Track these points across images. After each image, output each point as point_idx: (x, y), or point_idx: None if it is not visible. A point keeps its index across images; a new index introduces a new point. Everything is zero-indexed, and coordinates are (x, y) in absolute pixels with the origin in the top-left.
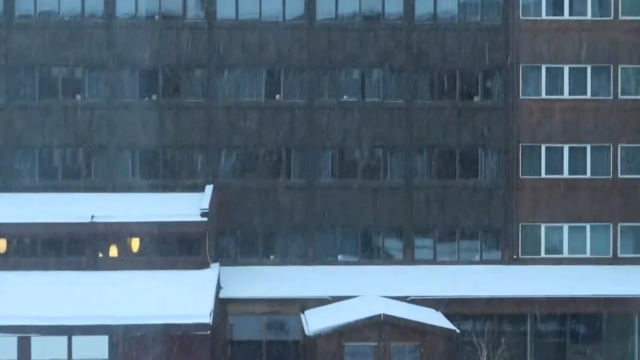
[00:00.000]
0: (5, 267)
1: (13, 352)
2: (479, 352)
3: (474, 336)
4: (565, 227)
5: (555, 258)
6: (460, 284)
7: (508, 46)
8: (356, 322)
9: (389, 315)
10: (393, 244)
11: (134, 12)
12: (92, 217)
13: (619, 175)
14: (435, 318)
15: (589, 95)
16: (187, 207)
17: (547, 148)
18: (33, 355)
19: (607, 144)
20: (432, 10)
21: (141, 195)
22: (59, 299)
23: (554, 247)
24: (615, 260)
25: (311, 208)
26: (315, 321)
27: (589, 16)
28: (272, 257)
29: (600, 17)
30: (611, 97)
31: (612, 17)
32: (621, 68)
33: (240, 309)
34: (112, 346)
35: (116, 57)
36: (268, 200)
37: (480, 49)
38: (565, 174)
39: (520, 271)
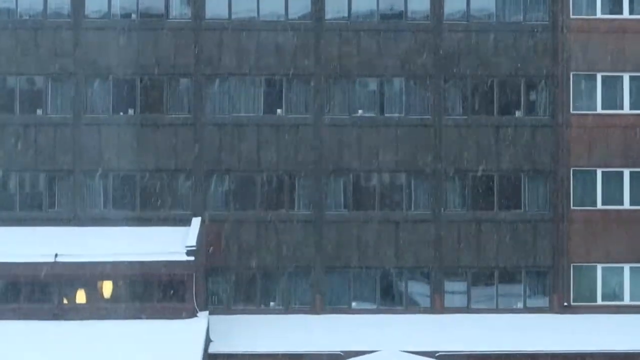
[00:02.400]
0: None
1: None
2: None
3: None
4: (627, 268)
5: (614, 305)
6: (500, 336)
7: (556, 51)
8: None
9: None
10: (418, 289)
11: (106, 10)
12: (56, 255)
13: None
14: None
15: None
16: (170, 243)
17: (604, 173)
18: None
19: None
20: (464, 8)
21: (115, 230)
22: (14, 357)
23: (613, 292)
24: None
25: (319, 245)
26: None
27: None
28: (272, 304)
29: None
30: None
31: None
32: None
33: None
34: None
35: (85, 64)
36: (268, 235)
37: (522, 54)
38: (626, 204)
39: (572, 321)
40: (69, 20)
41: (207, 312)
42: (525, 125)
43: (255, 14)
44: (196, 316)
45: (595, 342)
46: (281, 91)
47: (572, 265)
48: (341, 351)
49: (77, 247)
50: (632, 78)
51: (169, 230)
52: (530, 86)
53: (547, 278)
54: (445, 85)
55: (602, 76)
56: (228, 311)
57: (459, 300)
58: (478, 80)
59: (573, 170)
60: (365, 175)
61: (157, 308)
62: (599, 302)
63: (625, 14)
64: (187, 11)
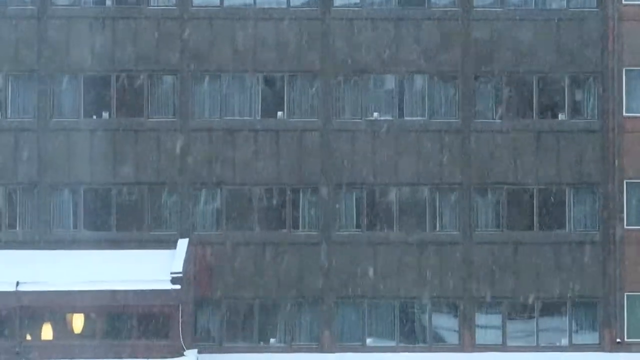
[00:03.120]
0: None
1: None
2: None
3: None
4: None
5: None
6: None
7: (606, 42)
8: None
9: None
10: (445, 322)
11: None
12: (17, 284)
13: None
14: None
15: None
16: (152, 270)
17: None
18: None
19: None
20: None
21: (87, 254)
22: None
23: None
24: None
25: (328, 271)
26: None
27: None
28: (272, 340)
29: None
30: None
31: None
32: None
33: None
34: None
35: (52, 59)
36: (267, 260)
37: (567, 46)
38: None
39: None
40: (33, 8)
41: (195, 351)
42: (569, 130)
43: (252, 1)
44: (183, 355)
45: None
46: (282, 91)
47: (625, 294)
48: None
49: (43, 274)
50: None
51: (151, 254)
52: (576, 84)
53: (597, 310)
54: (475, 83)
55: None
56: (220, 349)
57: (493, 337)
58: (514, 78)
59: (626, 182)
60: (381, 190)
61: (137, 346)
62: None
63: None
64: None
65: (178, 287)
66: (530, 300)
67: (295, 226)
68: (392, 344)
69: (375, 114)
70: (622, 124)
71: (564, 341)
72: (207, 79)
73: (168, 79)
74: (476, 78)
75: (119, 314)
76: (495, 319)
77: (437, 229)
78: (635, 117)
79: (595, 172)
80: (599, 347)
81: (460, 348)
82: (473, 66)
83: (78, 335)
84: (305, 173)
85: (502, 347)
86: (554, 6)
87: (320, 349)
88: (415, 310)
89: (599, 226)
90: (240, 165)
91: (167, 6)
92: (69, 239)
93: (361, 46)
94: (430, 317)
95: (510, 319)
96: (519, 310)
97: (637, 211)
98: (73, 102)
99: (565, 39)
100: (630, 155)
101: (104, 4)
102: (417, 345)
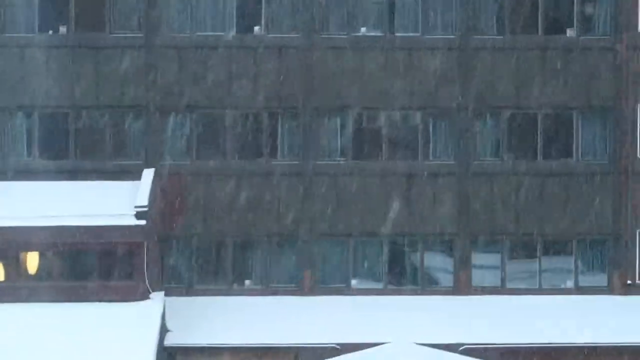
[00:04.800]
0: None
1: None
2: None
3: None
4: None
5: None
6: (542, 325)
7: None
8: None
9: None
10: (438, 262)
11: None
12: None
13: None
14: None
15: None
16: (114, 203)
17: None
18: None
19: None
20: None
21: (42, 185)
22: None
23: None
24: None
25: (309, 205)
26: None
27: None
28: (247, 282)
29: None
30: None
31: None
32: None
33: None
34: None
35: None
36: (242, 192)
37: None
38: None
39: (638, 304)
40: None
41: (162, 293)
42: (579, 47)
43: None
44: (148, 298)
45: None
46: (260, 2)
47: (638, 232)
48: (337, 344)
49: None
50: None
51: (113, 186)
52: None
53: (606, 249)
54: None
55: None
56: (190, 292)
57: (491, 278)
58: None
59: None
60: (369, 114)
61: (98, 287)
62: None
63: None
64: None
65: (143, 222)
66: (532, 238)
67: (274, 155)
68: (380, 286)
69: (363, 29)
70: (638, 41)
71: (569, 283)
72: None
73: None
74: None
75: (78, 253)
76: (494, 259)
77: (431, 158)
78: None
79: (607, 95)
80: (607, 290)
81: (455, 291)
82: None
83: (32, 276)
84: (284, 96)
85: (501, 290)
86: None
87: (300, 291)
88: (406, 249)
89: (609, 155)
90: (212, 87)
91: None
92: (21, 169)
93: None
94: (422, 257)
95: (510, 258)
96: (520, 249)
97: None
98: (26, 15)
99: None
100: None
101: None
102: (407, 287)
